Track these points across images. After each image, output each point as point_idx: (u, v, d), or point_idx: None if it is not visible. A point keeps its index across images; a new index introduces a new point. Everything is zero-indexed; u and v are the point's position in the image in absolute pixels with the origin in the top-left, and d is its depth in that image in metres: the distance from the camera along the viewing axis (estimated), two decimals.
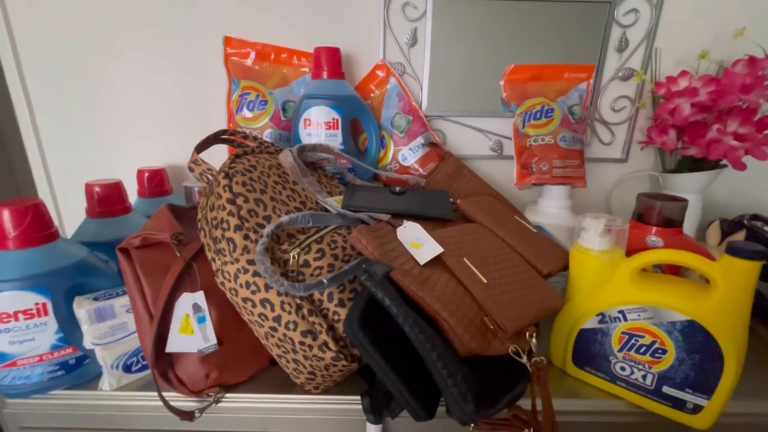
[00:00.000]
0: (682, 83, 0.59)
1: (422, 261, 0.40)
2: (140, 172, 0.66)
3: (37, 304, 0.41)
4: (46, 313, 0.42)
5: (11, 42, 0.66)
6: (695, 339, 0.38)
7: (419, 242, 0.42)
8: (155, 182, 0.66)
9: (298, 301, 0.38)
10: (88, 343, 0.43)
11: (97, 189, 0.54)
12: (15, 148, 0.75)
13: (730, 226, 0.60)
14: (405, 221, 0.45)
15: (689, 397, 0.40)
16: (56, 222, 0.75)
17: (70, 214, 0.77)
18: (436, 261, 0.41)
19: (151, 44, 0.67)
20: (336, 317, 0.40)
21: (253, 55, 0.65)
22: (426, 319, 0.35)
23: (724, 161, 0.60)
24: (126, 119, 0.71)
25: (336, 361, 0.38)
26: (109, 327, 0.43)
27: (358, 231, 0.40)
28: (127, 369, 0.45)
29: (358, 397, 0.42)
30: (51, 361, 0.43)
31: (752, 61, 0.56)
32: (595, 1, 0.63)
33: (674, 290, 0.39)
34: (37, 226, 0.43)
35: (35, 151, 0.72)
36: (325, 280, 0.38)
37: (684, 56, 0.65)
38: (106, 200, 0.54)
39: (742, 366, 0.37)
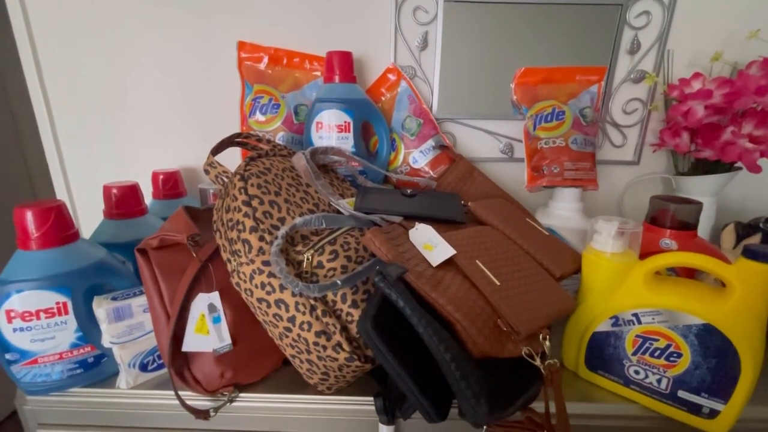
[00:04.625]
0: (696, 85, 0.59)
1: (435, 263, 0.40)
2: (155, 175, 0.67)
3: (57, 303, 0.42)
4: (66, 312, 0.43)
5: (32, 48, 0.68)
6: (712, 343, 0.38)
7: (431, 244, 0.42)
8: (170, 184, 0.67)
9: (312, 302, 0.39)
10: (106, 341, 0.44)
11: (114, 191, 0.55)
12: (32, 151, 0.77)
13: (745, 229, 0.60)
14: (417, 223, 0.45)
15: (705, 402, 0.39)
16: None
17: (86, 216, 0.78)
18: (449, 263, 0.41)
19: (167, 49, 0.68)
20: (349, 318, 0.40)
21: (266, 59, 0.66)
22: (439, 321, 0.36)
23: (739, 164, 0.60)
24: (141, 123, 0.72)
25: (349, 362, 0.39)
26: (127, 326, 0.44)
27: (372, 233, 0.41)
28: (144, 368, 0.46)
29: (371, 398, 0.43)
30: (70, 359, 0.44)
31: (767, 62, 0.56)
32: (606, 4, 0.63)
33: (690, 293, 0.39)
34: (59, 227, 0.44)
35: (54, 154, 0.74)
36: (338, 281, 0.39)
37: (697, 58, 0.65)
38: (124, 202, 0.55)
39: (760, 371, 0.37)
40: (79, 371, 0.45)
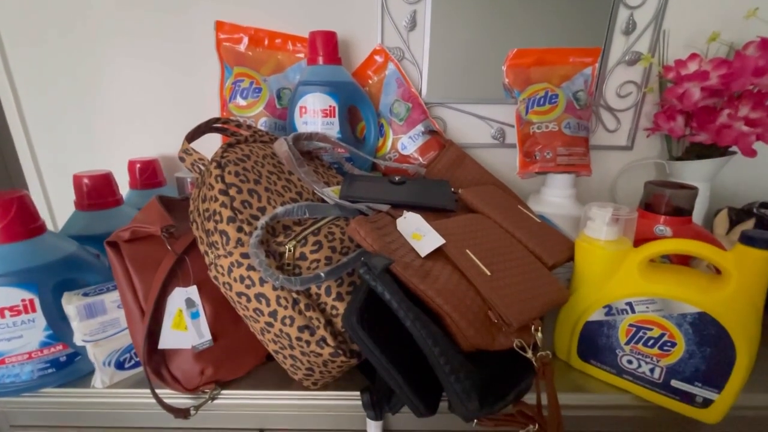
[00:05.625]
0: (692, 66, 0.57)
1: (423, 253, 0.38)
2: (132, 163, 0.64)
3: (24, 300, 0.40)
4: (33, 310, 0.40)
5: None
6: (706, 332, 0.37)
7: (420, 233, 0.40)
8: (147, 173, 0.64)
9: (295, 295, 0.37)
10: (78, 339, 0.41)
11: (85, 180, 0.52)
12: (5, 141, 0.73)
13: (738, 215, 0.59)
14: (405, 212, 0.43)
15: (699, 391, 0.38)
16: (47, 216, 0.74)
17: (61, 208, 0.75)
18: (438, 253, 0.39)
19: (142, 32, 0.64)
20: (334, 312, 0.38)
21: (246, 40, 0.63)
22: (428, 313, 0.34)
23: (734, 148, 0.59)
24: (117, 109, 0.69)
25: (334, 357, 0.37)
26: (100, 323, 0.42)
27: (357, 222, 0.39)
28: (120, 366, 0.44)
29: (358, 393, 0.41)
30: (41, 358, 0.42)
31: (765, 43, 0.54)
32: None
33: (685, 281, 0.38)
34: (23, 219, 0.41)
35: (23, 143, 0.70)
36: (322, 274, 0.37)
37: (693, 39, 0.63)
38: (96, 192, 0.53)
39: (755, 359, 0.36)
40: (50, 371, 0.43)
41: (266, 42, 0.63)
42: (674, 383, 0.39)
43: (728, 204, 0.62)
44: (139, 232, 0.40)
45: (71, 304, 0.40)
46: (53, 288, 0.41)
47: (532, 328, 0.37)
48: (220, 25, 0.62)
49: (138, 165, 0.64)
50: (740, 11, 0.60)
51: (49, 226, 0.45)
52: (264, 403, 0.43)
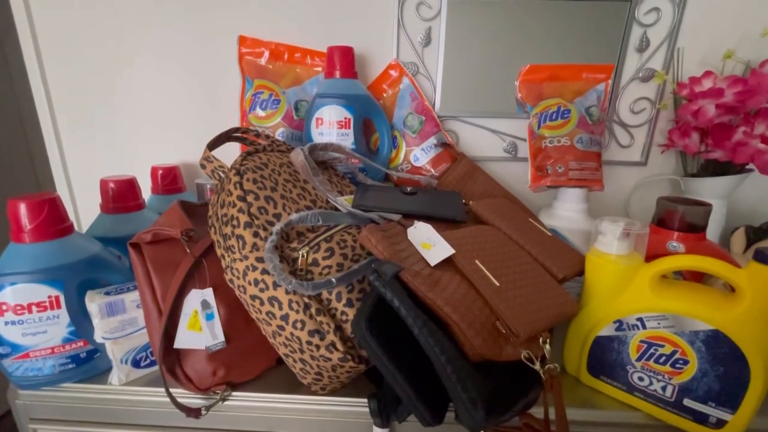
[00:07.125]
0: (707, 84, 0.57)
1: (433, 262, 0.39)
2: (154, 169, 0.67)
3: (50, 296, 0.42)
4: (58, 306, 0.42)
5: (35, 45, 0.68)
6: (720, 350, 0.36)
7: (430, 243, 0.41)
8: (169, 179, 0.67)
9: (306, 300, 0.38)
10: (98, 337, 0.43)
11: (111, 185, 0.54)
12: (37, 146, 0.77)
13: (756, 233, 0.58)
14: (416, 222, 0.44)
15: (712, 411, 0.38)
16: (73, 217, 0.77)
17: (86, 210, 0.78)
18: (448, 263, 0.40)
19: (167, 44, 0.68)
20: (344, 317, 0.39)
21: (266, 54, 0.65)
22: (436, 322, 0.34)
23: (751, 165, 0.58)
24: (142, 118, 0.72)
25: (343, 362, 0.38)
26: (120, 322, 0.43)
27: (368, 230, 0.40)
28: (136, 364, 0.45)
29: (365, 400, 0.42)
30: (62, 354, 0.44)
31: None
32: (615, 0, 0.61)
33: (697, 298, 0.38)
34: (53, 220, 0.43)
35: (55, 149, 0.74)
36: (333, 280, 0.38)
37: (708, 56, 0.63)
38: (120, 196, 0.55)
39: None
40: (71, 366, 0.44)
41: (286, 56, 0.66)
42: (687, 402, 0.39)
43: (746, 222, 0.61)
44: (161, 235, 0.42)
45: (94, 302, 0.42)
46: (78, 286, 0.43)
47: (540, 340, 0.37)
48: (242, 40, 0.65)
49: (160, 171, 0.67)
50: (756, 29, 0.60)
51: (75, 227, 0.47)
52: (273, 407, 0.44)
